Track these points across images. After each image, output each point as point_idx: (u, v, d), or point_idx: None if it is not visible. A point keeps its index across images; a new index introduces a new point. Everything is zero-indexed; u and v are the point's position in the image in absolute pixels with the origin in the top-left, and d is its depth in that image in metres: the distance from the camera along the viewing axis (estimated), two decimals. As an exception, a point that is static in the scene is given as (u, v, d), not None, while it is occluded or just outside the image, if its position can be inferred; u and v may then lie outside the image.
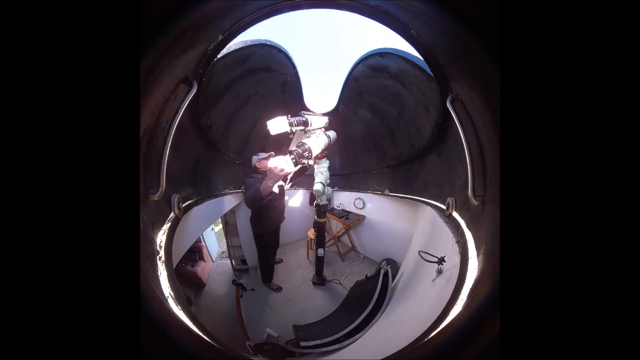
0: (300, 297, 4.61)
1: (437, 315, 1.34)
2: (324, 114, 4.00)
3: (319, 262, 4.75)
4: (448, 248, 1.97)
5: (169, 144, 1.59)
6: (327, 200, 4.24)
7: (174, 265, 1.77)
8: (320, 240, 4.59)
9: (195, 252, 5.33)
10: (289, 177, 3.32)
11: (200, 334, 1.20)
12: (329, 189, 3.99)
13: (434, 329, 1.23)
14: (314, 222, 4.54)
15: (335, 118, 4.07)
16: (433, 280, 2.02)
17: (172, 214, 1.98)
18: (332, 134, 3.64)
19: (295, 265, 5.59)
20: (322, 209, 4.31)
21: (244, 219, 6.10)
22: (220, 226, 7.17)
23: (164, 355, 0.83)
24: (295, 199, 6.34)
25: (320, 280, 4.85)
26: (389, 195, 4.33)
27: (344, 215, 5.62)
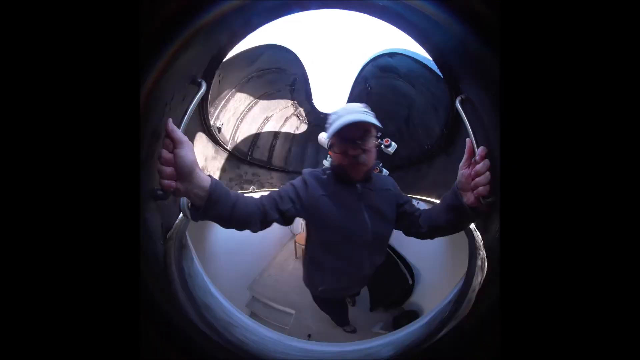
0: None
1: (438, 315, 1.33)
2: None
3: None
4: (455, 248, 1.95)
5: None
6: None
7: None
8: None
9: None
10: None
11: (207, 331, 1.22)
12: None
13: (436, 331, 1.22)
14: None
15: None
16: (434, 281, 2.00)
17: (180, 215, 2.00)
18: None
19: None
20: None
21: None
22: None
23: (166, 355, 0.84)
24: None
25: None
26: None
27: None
